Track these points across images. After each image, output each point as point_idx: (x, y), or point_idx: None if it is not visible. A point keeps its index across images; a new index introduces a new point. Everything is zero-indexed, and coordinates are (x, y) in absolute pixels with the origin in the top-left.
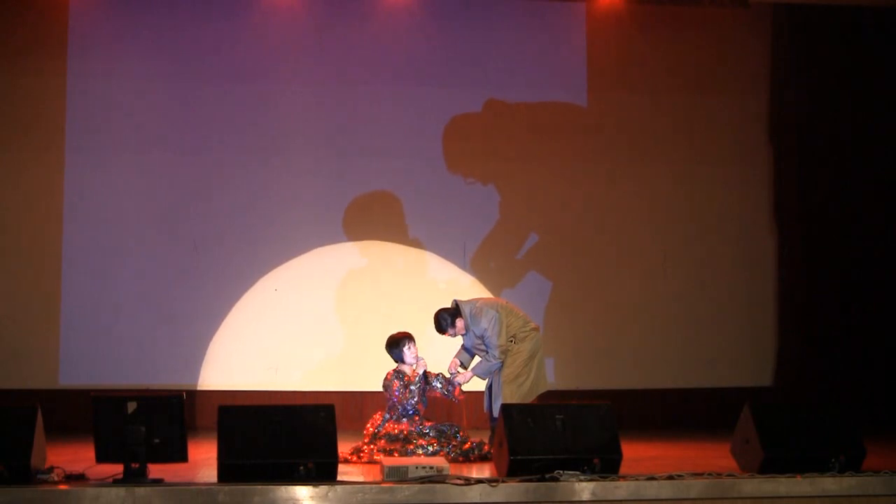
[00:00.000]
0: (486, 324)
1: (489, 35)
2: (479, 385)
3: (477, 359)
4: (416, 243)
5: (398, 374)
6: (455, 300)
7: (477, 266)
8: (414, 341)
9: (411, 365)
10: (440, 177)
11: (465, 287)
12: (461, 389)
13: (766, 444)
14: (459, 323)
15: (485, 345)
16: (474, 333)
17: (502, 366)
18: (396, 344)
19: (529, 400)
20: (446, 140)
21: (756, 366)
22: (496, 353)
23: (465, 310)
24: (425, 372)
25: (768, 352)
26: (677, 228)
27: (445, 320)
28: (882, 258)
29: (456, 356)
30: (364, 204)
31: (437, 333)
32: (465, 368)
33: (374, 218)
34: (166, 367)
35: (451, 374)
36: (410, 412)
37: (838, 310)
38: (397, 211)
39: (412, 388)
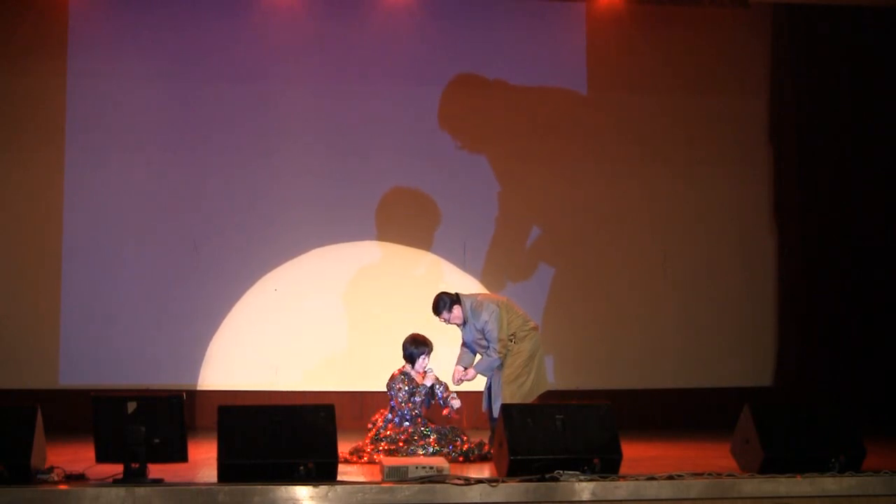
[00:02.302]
0: (486, 316)
1: (489, 35)
2: (479, 385)
3: (479, 357)
4: (416, 243)
5: (405, 376)
6: (457, 292)
7: (477, 265)
8: (430, 353)
9: (419, 372)
10: (440, 176)
11: (464, 287)
12: (456, 408)
13: (766, 444)
14: (456, 311)
15: (485, 339)
16: (474, 327)
17: (503, 365)
18: (416, 345)
19: (530, 400)
20: (443, 136)
21: (756, 366)
22: (497, 346)
23: (466, 303)
24: (433, 385)
25: (768, 352)
26: (677, 228)
27: (444, 302)
28: (882, 258)
29: (458, 363)
30: (364, 204)
31: (433, 314)
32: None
33: (373, 217)
34: (166, 367)
35: (455, 383)
36: (408, 415)
37: (838, 310)
38: (397, 210)
39: (415, 399)
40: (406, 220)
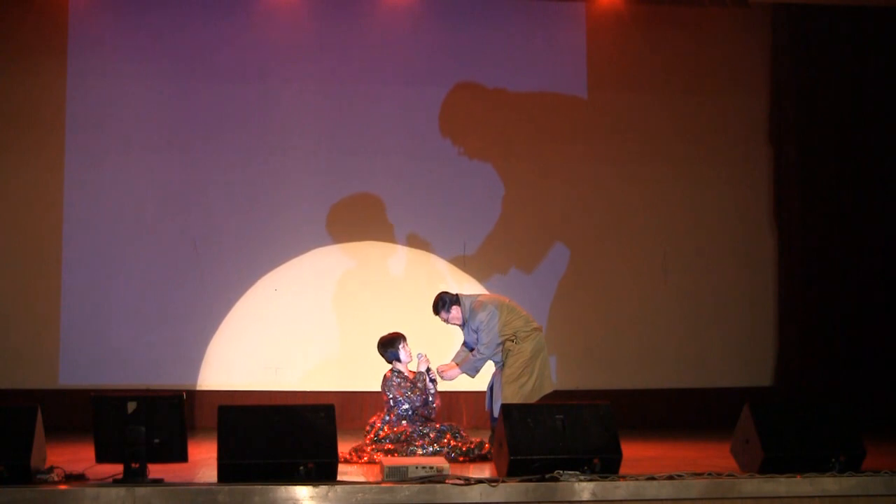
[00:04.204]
0: (483, 317)
1: (489, 35)
2: (481, 385)
3: None
4: (416, 242)
5: (397, 373)
6: (458, 293)
7: (477, 265)
8: (406, 341)
9: (407, 363)
10: (440, 176)
11: (464, 287)
12: (432, 391)
13: (766, 444)
14: (455, 311)
15: (477, 339)
16: (471, 328)
17: (504, 365)
18: (392, 343)
19: (532, 401)
20: (444, 138)
21: (756, 366)
22: (482, 348)
23: (466, 303)
24: (428, 368)
25: (768, 352)
26: (677, 228)
27: (444, 302)
28: (882, 258)
29: (454, 359)
30: (364, 203)
31: (433, 314)
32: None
33: (374, 217)
34: (166, 367)
35: (440, 375)
36: (410, 413)
37: (838, 310)
38: (397, 210)
39: (419, 385)
40: (406, 220)
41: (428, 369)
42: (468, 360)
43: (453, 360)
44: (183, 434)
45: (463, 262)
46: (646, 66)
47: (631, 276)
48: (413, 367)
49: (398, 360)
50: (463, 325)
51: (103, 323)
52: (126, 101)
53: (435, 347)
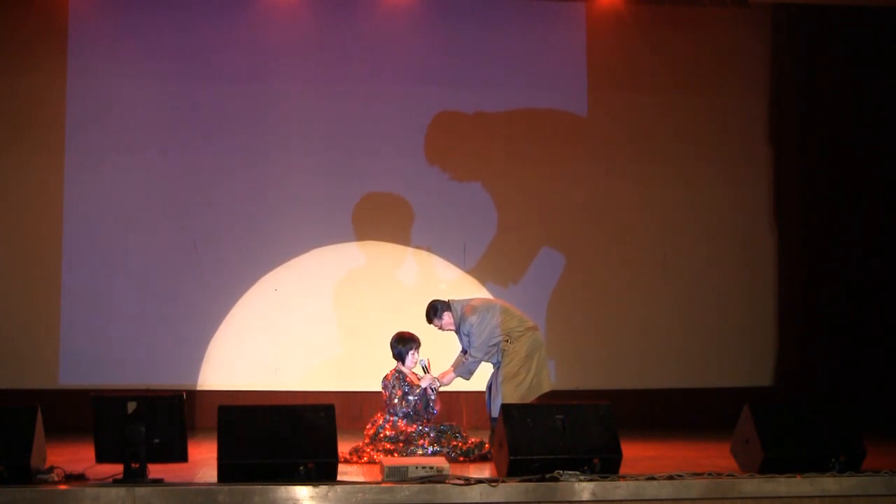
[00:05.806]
0: (473, 320)
1: (489, 35)
2: (479, 385)
3: None
4: (416, 244)
5: (399, 374)
6: (450, 299)
7: (477, 266)
8: (419, 348)
9: (410, 368)
10: (440, 177)
11: (465, 288)
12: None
13: (766, 444)
14: (447, 317)
15: (469, 343)
16: (462, 332)
17: (501, 365)
18: (403, 343)
19: (530, 399)
20: (442, 139)
21: (756, 366)
22: (474, 351)
23: (457, 308)
24: (431, 386)
25: (768, 352)
26: (677, 228)
27: (435, 310)
28: (882, 258)
29: (453, 364)
30: (364, 204)
31: (426, 322)
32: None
33: (374, 218)
34: (166, 367)
35: (433, 386)
36: (401, 413)
37: (838, 310)
38: (397, 211)
39: (409, 398)
40: (407, 220)
41: (430, 387)
42: (461, 363)
43: (452, 365)
44: (183, 434)
45: (462, 263)
46: (646, 66)
47: (631, 276)
48: (418, 371)
49: (402, 361)
50: (457, 331)
51: (103, 323)
52: (126, 101)
53: (435, 350)
